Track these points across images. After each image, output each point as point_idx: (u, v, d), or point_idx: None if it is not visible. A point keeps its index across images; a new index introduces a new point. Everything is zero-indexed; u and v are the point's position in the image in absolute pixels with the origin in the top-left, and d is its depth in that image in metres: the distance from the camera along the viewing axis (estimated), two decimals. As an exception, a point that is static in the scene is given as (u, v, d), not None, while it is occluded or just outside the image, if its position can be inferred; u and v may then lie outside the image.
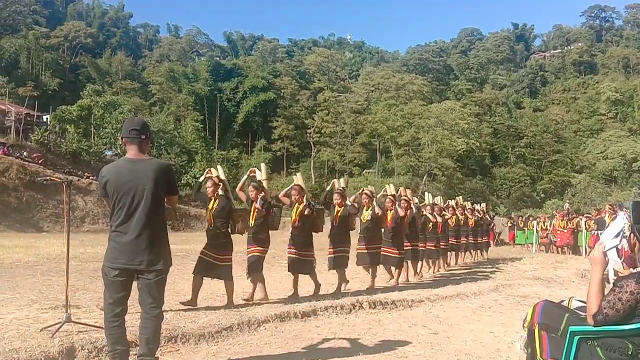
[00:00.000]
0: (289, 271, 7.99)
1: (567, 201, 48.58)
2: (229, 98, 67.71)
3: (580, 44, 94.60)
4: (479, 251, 16.35)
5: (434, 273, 12.21)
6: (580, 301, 3.66)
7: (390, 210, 9.70)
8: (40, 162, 37.65)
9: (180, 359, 4.61)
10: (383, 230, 9.57)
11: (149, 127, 4.10)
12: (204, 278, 6.85)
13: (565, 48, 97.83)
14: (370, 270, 9.28)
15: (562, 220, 20.18)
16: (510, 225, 25.43)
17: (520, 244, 23.68)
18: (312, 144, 65.15)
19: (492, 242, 25.85)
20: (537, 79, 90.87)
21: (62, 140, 47.17)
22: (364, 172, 61.75)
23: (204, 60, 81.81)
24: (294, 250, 7.89)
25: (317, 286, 8.11)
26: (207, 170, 7.52)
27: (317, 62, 79.32)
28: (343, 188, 9.16)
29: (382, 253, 9.37)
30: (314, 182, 54.51)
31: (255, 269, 7.34)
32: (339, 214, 8.60)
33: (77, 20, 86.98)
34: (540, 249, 21.59)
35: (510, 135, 70.46)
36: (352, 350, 5.13)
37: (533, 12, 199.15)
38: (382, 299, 7.45)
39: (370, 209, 9.15)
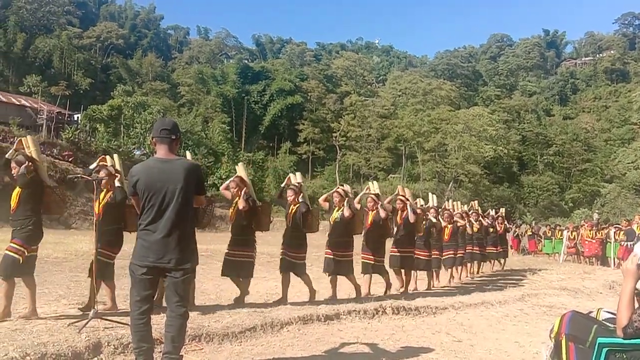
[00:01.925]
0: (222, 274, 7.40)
1: (596, 211, 47.78)
2: (255, 100, 68.09)
3: (612, 52, 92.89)
4: (493, 261, 15.16)
5: (432, 286, 10.78)
6: (609, 312, 3.59)
7: (372, 211, 8.65)
8: (70, 159, 38.38)
9: (204, 358, 4.64)
10: (364, 234, 8.74)
11: (178, 128, 4.15)
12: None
13: (597, 55, 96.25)
14: (330, 279, 8.34)
15: (590, 230, 19.83)
16: (531, 233, 25.09)
17: (547, 253, 23.31)
18: (338, 147, 65.13)
19: (514, 250, 25.59)
20: (568, 86, 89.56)
21: (92, 139, 48.00)
22: (389, 176, 61.46)
23: (232, 62, 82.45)
24: (227, 250, 7.31)
25: (241, 293, 7.35)
26: (100, 157, 6.80)
27: (345, 66, 79.34)
28: (299, 183, 8.13)
29: (362, 260, 8.58)
30: (338, 186, 54.53)
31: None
32: (292, 213, 7.75)
33: (109, 21, 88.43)
34: (567, 259, 21.23)
35: (539, 142, 69.47)
36: (374, 356, 5.11)
37: (564, 18, 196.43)
38: (406, 305, 7.39)
39: (341, 209, 8.10)
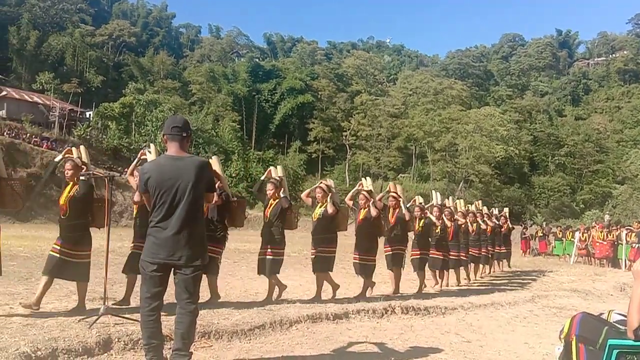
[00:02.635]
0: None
1: (607, 212, 47.42)
2: (266, 99, 68.22)
3: (625, 52, 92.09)
4: (499, 262, 14.83)
5: (434, 287, 10.32)
6: (620, 314, 3.57)
7: (364, 209, 8.28)
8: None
9: (213, 355, 4.65)
10: (355, 233, 8.47)
11: (189, 125, 4.17)
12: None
13: (610, 55, 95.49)
14: (316, 278, 7.96)
15: (601, 232, 19.70)
16: (542, 234, 24.97)
17: (557, 255, 23.18)
18: (348, 147, 65.13)
19: (523, 252, 25.47)
20: (580, 87, 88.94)
21: (104, 136, 48.38)
22: (399, 176, 61.42)
23: (243, 61, 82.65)
24: None
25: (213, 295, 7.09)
26: (66, 150, 6.57)
27: (355, 65, 79.29)
28: (280, 177, 7.71)
29: (353, 260, 8.36)
30: (348, 185, 54.49)
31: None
32: (271, 207, 7.41)
33: (122, 19, 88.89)
34: (578, 260, 21.10)
35: (550, 143, 69.07)
36: (383, 355, 5.10)
37: (577, 18, 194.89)
38: (415, 305, 7.38)
39: (324, 205, 7.76)
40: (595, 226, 21.70)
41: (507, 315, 7.78)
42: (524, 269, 16.32)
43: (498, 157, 57.92)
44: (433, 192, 11.79)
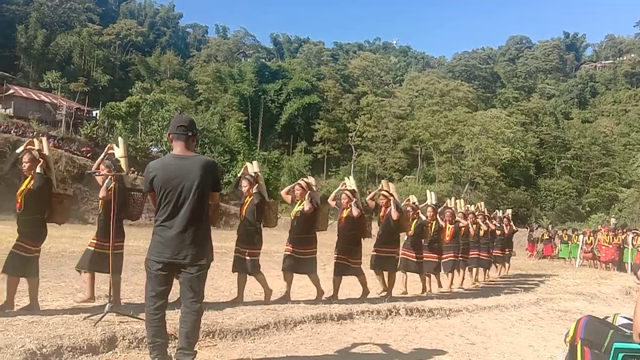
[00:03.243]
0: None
1: (613, 216, 47.17)
2: (272, 99, 68.26)
3: (632, 55, 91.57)
4: (499, 265, 14.30)
5: (426, 290, 9.78)
6: (626, 318, 3.56)
7: (346, 209, 7.99)
8: (88, 155, 38.82)
9: (217, 354, 4.66)
10: (337, 233, 8.11)
11: (195, 125, 4.18)
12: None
13: (617, 59, 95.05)
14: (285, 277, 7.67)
15: (607, 235, 19.62)
16: (547, 237, 24.89)
17: (563, 258, 23.11)
18: (353, 148, 65.07)
19: (531, 254, 25.42)
20: (587, 90, 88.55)
21: (110, 135, 48.53)
22: (404, 177, 61.30)
23: (249, 61, 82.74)
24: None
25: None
26: (28, 141, 6.36)
27: (362, 66, 79.20)
28: (256, 173, 7.49)
29: (334, 260, 8.02)
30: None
31: None
32: (246, 205, 7.20)
33: (129, 19, 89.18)
34: (583, 264, 21.02)
35: (557, 145, 68.78)
36: (387, 356, 5.10)
37: (585, 21, 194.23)
38: (419, 306, 7.38)
39: (302, 204, 7.54)
40: (601, 229, 21.64)
41: (512, 318, 7.77)
42: (530, 272, 16.26)
43: (504, 159, 57.72)
44: (428, 192, 11.47)
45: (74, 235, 16.93)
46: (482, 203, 15.13)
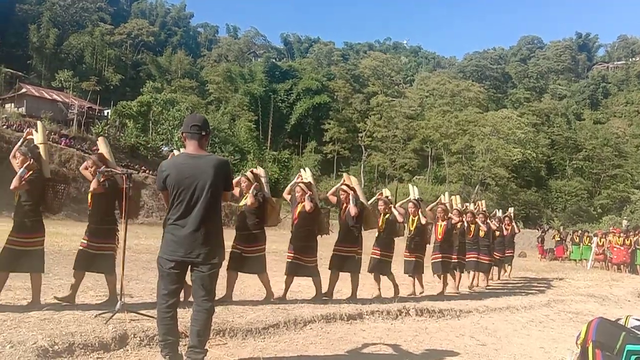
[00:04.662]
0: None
1: (625, 217, 46.85)
2: (282, 99, 68.39)
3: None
4: (500, 268, 13.37)
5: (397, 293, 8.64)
6: (638, 320, 3.53)
7: (300, 203, 7.40)
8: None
9: (228, 353, 4.67)
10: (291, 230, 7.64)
11: (208, 124, 4.19)
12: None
13: (630, 59, 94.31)
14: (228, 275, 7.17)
15: (619, 237, 19.48)
16: (559, 239, 24.73)
17: (574, 259, 22.95)
18: (363, 148, 65.05)
19: (541, 256, 25.26)
20: (599, 90, 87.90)
21: (121, 134, 48.84)
22: (414, 178, 61.20)
23: (260, 61, 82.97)
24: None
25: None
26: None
27: (372, 66, 79.16)
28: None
29: (287, 259, 7.50)
30: (363, 186, 54.37)
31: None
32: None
33: (140, 18, 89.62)
34: (595, 265, 20.87)
35: (568, 146, 68.41)
36: (397, 357, 5.09)
37: (597, 21, 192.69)
38: (429, 307, 7.36)
39: (247, 198, 7.03)
40: (613, 231, 21.45)
41: (522, 319, 7.73)
42: (541, 274, 16.16)
43: (515, 160, 57.52)
44: (410, 185, 10.63)
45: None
46: (483, 202, 14.03)
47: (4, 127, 39.17)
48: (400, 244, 8.85)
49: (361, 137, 65.03)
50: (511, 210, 15.38)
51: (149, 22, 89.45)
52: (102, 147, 6.46)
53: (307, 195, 7.29)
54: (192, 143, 4.04)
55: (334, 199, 8.24)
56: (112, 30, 79.24)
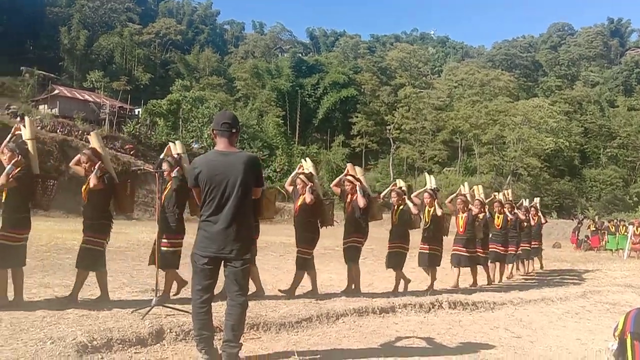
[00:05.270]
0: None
1: (663, 206, 45.62)
2: (309, 94, 68.38)
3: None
4: (527, 261, 12.74)
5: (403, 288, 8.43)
6: (679, 311, 3.44)
7: (302, 195, 7.22)
8: (131, 152, 39.64)
9: (262, 346, 4.72)
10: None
11: (238, 121, 4.23)
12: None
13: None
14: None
15: (656, 226, 19.04)
16: (594, 229, 24.26)
17: (610, 249, 22.50)
18: (391, 140, 64.65)
19: (575, 246, 24.83)
20: (633, 76, 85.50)
21: (152, 133, 49.51)
22: (444, 169, 60.66)
23: (286, 56, 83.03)
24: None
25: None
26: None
27: (399, 58, 78.51)
28: (178, 154, 6.71)
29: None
30: (392, 179, 54.09)
31: None
32: (166, 191, 6.42)
33: (168, 17, 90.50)
34: (631, 255, 20.43)
35: (602, 134, 66.89)
36: (431, 350, 5.07)
37: (629, 6, 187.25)
38: (463, 300, 7.31)
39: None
40: (650, 220, 20.96)
41: (558, 311, 7.63)
42: (576, 264, 15.89)
43: (547, 149, 56.53)
44: (426, 174, 10.34)
45: (119, 231, 17.31)
46: (509, 191, 13.65)
47: (39, 127, 40.04)
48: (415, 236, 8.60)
49: (389, 129, 64.60)
50: (537, 200, 14.88)
51: (176, 21, 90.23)
52: (95, 141, 6.35)
53: (308, 187, 7.15)
54: (222, 140, 4.08)
55: (338, 190, 8.11)
56: (141, 30, 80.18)
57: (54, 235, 13.32)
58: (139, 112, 56.07)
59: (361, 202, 7.43)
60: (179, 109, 54.63)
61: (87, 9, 74.76)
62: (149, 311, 5.09)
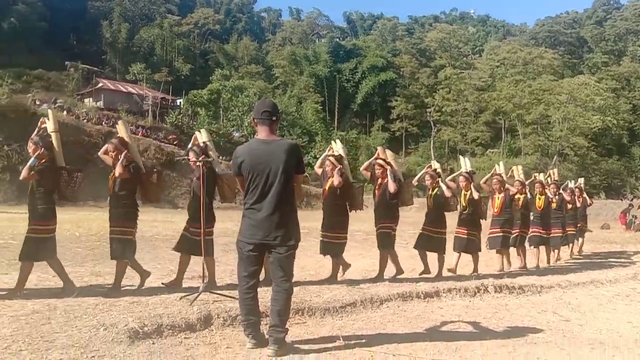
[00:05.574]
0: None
1: None
2: (347, 79, 68.08)
3: None
4: (572, 243, 12.18)
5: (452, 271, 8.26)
6: None
7: (331, 177, 7.07)
8: (174, 142, 40.36)
9: (308, 331, 4.77)
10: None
11: (278, 109, 4.26)
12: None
13: None
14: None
15: None
16: None
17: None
18: (432, 123, 63.86)
19: (625, 227, 24.11)
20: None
21: (194, 123, 50.24)
22: (487, 151, 59.65)
23: (323, 41, 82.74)
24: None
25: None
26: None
27: (438, 39, 77.26)
28: (204, 143, 6.70)
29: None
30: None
31: None
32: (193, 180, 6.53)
33: (206, 7, 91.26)
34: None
35: (652, 111, 64.54)
36: (477, 334, 5.03)
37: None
38: (509, 283, 7.22)
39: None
40: None
41: (607, 294, 7.46)
42: (626, 246, 15.44)
43: (594, 128, 54.95)
44: (461, 157, 9.97)
45: (165, 220, 17.77)
46: (555, 170, 13.24)
47: (85, 120, 41.15)
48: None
49: (430, 112, 63.79)
50: (581, 180, 14.33)
51: (214, 10, 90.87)
52: (122, 130, 6.39)
53: (337, 169, 6.98)
54: (263, 129, 4.12)
55: (367, 174, 7.93)
56: (180, 21, 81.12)
57: (104, 224, 13.68)
58: (180, 102, 56.97)
59: (392, 186, 7.27)
60: (219, 98, 55.26)
61: (127, 2, 76.14)
62: (196, 297, 5.20)
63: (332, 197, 7.05)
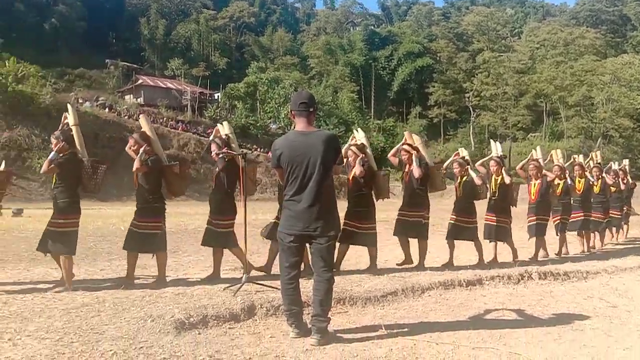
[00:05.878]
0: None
1: None
2: (383, 66, 67.59)
3: None
4: (617, 228, 11.86)
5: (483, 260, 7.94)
6: None
7: (354, 167, 6.84)
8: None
9: (349, 320, 4.80)
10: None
11: (315, 100, 4.27)
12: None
13: None
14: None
15: None
16: None
17: None
18: (471, 108, 62.93)
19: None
20: None
21: (232, 116, 50.82)
22: (529, 135, 58.47)
23: (358, 30, 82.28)
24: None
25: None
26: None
27: (476, 22, 75.92)
28: (227, 135, 6.64)
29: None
30: (473, 148, 52.69)
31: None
32: (216, 172, 6.48)
33: (240, 0, 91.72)
34: None
35: (701, 89, 61.97)
36: (522, 322, 4.96)
37: None
38: (553, 270, 7.08)
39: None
40: None
41: (657, 279, 7.24)
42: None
43: (640, 108, 53.27)
44: (492, 141, 9.46)
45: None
46: (598, 152, 12.57)
47: (126, 117, 42.08)
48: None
49: (468, 97, 62.91)
50: (626, 162, 13.74)
51: (248, 3, 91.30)
52: (144, 124, 6.39)
53: (358, 158, 6.78)
54: (301, 120, 4.14)
55: (395, 160, 7.68)
56: (215, 15, 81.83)
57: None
58: (218, 96, 57.63)
59: (416, 172, 7.00)
60: (256, 90, 55.69)
61: (163, -1, 77.25)
62: (239, 288, 5.28)
63: (356, 186, 6.90)
